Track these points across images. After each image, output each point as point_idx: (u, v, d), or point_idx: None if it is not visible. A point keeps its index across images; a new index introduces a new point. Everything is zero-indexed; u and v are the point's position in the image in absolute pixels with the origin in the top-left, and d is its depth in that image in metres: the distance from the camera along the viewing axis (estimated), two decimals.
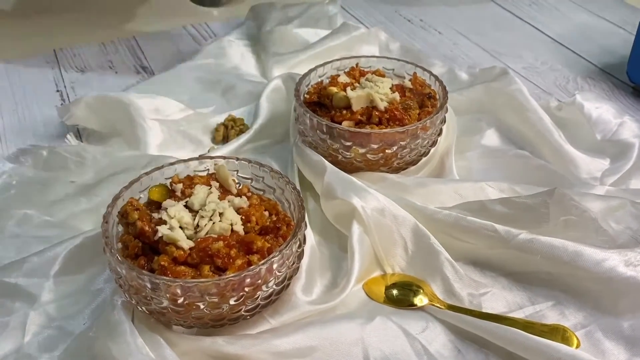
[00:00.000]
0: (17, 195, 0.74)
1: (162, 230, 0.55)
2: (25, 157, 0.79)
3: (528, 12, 1.23)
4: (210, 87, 0.95)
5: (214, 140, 0.86)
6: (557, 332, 0.59)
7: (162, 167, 0.64)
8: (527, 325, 0.59)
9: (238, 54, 1.02)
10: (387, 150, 0.71)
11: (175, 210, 0.57)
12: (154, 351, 0.54)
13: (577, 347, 0.58)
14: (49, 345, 0.58)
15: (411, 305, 0.62)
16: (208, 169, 0.65)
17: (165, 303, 0.53)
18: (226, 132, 0.85)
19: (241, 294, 0.54)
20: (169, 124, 0.83)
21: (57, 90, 0.97)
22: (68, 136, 0.83)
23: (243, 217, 0.58)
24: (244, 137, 0.81)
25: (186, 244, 0.54)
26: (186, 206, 0.58)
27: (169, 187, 0.62)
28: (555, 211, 0.64)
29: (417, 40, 1.13)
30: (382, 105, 0.72)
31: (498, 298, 0.63)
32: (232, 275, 0.52)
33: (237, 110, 0.89)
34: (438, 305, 0.62)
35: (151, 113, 0.83)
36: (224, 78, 0.96)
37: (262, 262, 0.54)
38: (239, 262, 0.54)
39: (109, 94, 0.84)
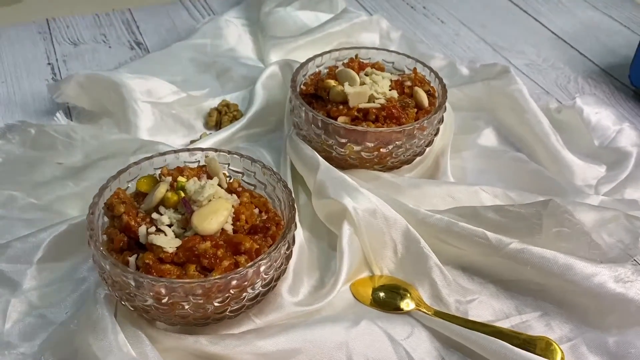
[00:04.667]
0: (4, 174, 0.73)
1: (142, 232, 0.54)
2: (12, 133, 0.77)
3: (534, 5, 1.20)
4: (204, 69, 0.93)
5: (207, 125, 0.84)
6: (541, 344, 0.58)
7: (152, 157, 0.62)
8: (512, 335, 0.59)
9: (235, 35, 1.00)
10: (382, 149, 0.70)
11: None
12: (136, 348, 0.53)
13: None
14: (30, 334, 0.58)
15: (397, 309, 0.62)
16: (199, 161, 0.64)
17: (150, 301, 0.52)
18: (219, 117, 0.83)
19: (227, 295, 0.53)
20: (161, 107, 0.81)
21: (49, 63, 0.95)
22: (57, 114, 0.81)
23: (233, 216, 0.57)
24: (237, 125, 0.80)
25: (171, 248, 0.53)
26: None
27: (158, 178, 0.60)
28: (548, 223, 0.64)
29: (419, 29, 1.11)
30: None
31: (485, 306, 0.63)
32: (217, 277, 0.52)
33: (231, 95, 0.87)
34: (424, 310, 0.61)
35: (143, 95, 0.81)
36: (220, 60, 0.94)
37: (250, 264, 0.53)
38: (225, 263, 0.53)
39: (101, 73, 0.82)
